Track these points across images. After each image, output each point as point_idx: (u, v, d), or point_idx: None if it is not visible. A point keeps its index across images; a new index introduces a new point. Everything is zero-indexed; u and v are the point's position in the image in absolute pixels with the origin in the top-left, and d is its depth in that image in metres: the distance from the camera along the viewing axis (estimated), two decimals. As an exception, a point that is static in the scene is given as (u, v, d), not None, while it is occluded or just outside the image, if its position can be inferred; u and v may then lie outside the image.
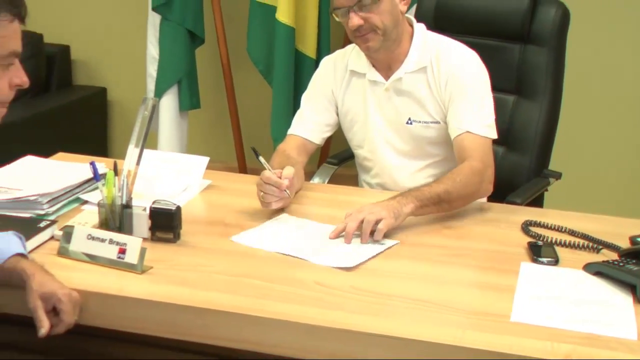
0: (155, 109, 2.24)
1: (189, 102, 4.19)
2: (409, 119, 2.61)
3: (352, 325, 1.78)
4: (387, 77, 2.61)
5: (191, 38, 4.12)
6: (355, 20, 2.45)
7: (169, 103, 4.11)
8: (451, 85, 2.53)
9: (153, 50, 4.11)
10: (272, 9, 3.81)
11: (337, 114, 2.75)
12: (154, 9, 4.03)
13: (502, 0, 3.00)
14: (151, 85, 4.13)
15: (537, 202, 2.88)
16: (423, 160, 2.67)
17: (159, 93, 4.07)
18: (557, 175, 2.94)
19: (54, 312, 1.86)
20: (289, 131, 2.77)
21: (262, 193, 2.31)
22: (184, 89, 4.16)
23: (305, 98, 2.80)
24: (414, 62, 2.57)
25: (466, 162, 2.41)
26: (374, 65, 2.63)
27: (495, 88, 2.80)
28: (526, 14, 2.92)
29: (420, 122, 2.60)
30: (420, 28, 2.62)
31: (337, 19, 2.53)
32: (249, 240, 2.20)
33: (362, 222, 2.14)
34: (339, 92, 2.72)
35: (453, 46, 2.60)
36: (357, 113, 2.71)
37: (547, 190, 2.96)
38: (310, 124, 2.74)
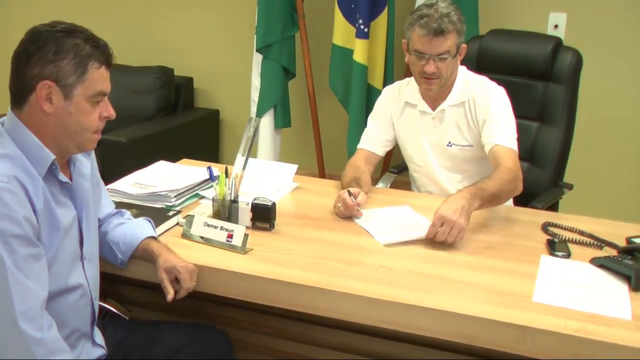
0: (257, 128, 2.26)
1: (282, 121, 4.20)
2: (449, 142, 2.60)
3: (406, 299, 1.78)
4: (433, 108, 2.59)
5: (285, 73, 4.13)
6: (432, 67, 2.43)
7: (266, 122, 4.13)
8: (484, 114, 2.50)
9: (256, 81, 4.14)
10: (350, 51, 3.81)
11: (394, 133, 2.73)
12: (257, 50, 4.06)
13: (530, 48, 2.96)
14: (253, 108, 4.15)
15: (554, 207, 2.85)
16: (459, 174, 2.64)
17: (260, 114, 4.08)
18: (570, 187, 2.91)
19: (176, 281, 1.89)
20: (358, 146, 2.76)
21: (339, 207, 2.29)
22: (279, 112, 4.17)
23: (370, 118, 2.78)
24: (456, 98, 2.56)
25: (504, 166, 2.36)
26: (423, 98, 2.61)
27: (523, 116, 2.83)
28: (549, 59, 2.90)
29: (458, 145, 2.59)
30: (462, 70, 2.59)
31: (410, 57, 2.50)
32: (364, 223, 2.25)
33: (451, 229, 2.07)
34: (395, 116, 2.70)
35: (486, 84, 2.57)
36: (408, 135, 2.69)
37: (561, 198, 2.92)
38: (374, 140, 2.73)
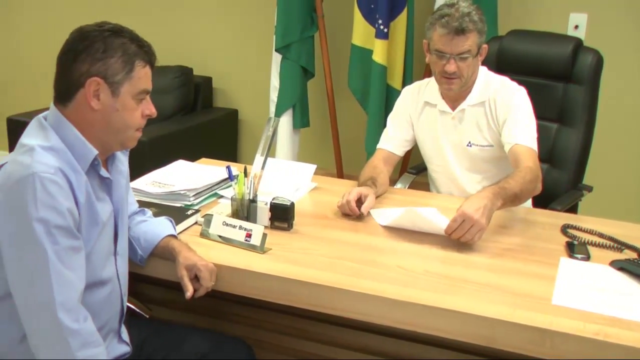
0: (277, 127, 2.26)
1: (301, 121, 4.20)
2: (469, 142, 2.59)
3: (423, 300, 1.77)
4: (453, 108, 2.59)
5: (304, 72, 4.13)
6: (452, 67, 2.44)
7: (285, 122, 4.13)
8: (504, 113, 2.50)
9: (275, 81, 4.14)
10: (369, 52, 3.80)
11: (414, 133, 2.73)
12: (276, 50, 4.07)
13: (550, 49, 2.96)
14: (272, 108, 4.15)
15: (573, 209, 2.83)
16: (479, 175, 2.64)
17: (278, 114, 4.09)
18: (589, 189, 2.90)
19: (195, 279, 1.90)
20: (378, 146, 2.76)
21: (343, 205, 2.30)
22: (297, 112, 4.17)
23: (390, 119, 2.77)
24: (476, 98, 2.55)
25: (524, 165, 2.35)
26: (443, 98, 2.61)
27: (542, 117, 2.82)
28: (569, 60, 2.89)
29: (478, 145, 2.58)
30: (483, 70, 2.59)
31: (431, 57, 2.51)
32: (377, 216, 2.29)
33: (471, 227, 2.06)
34: (414, 116, 2.70)
35: (507, 84, 2.57)
36: (428, 135, 2.69)
37: (580, 200, 2.90)
38: (393, 140, 2.73)
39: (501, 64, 2.98)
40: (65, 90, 1.67)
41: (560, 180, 2.88)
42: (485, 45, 2.51)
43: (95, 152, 1.69)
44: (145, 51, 1.72)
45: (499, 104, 2.52)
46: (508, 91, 2.54)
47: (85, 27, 1.69)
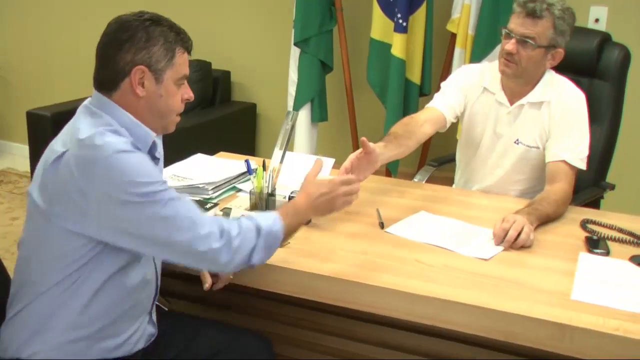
0: (295, 121, 2.26)
1: (319, 115, 4.20)
2: (517, 139, 2.53)
3: (442, 295, 1.78)
4: (511, 102, 2.52)
5: (322, 66, 4.13)
6: (511, 46, 2.38)
7: (303, 116, 4.13)
8: (561, 120, 2.44)
9: (293, 75, 4.15)
10: (388, 46, 3.79)
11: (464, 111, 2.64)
12: (295, 44, 4.07)
13: (576, 43, 2.89)
14: (290, 102, 4.16)
15: (595, 207, 2.79)
16: (515, 175, 2.59)
17: (296, 108, 4.09)
18: (611, 187, 2.86)
19: (215, 276, 1.93)
20: (428, 105, 2.63)
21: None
22: (316, 106, 4.17)
23: (444, 85, 2.67)
24: (537, 96, 2.48)
25: (562, 187, 2.35)
26: (503, 89, 2.54)
27: None
28: (593, 55, 2.85)
29: (525, 145, 2.52)
30: (550, 72, 2.52)
31: (501, 35, 2.46)
32: (400, 232, 2.16)
33: (520, 231, 2.06)
34: (471, 97, 2.62)
35: (571, 90, 2.51)
36: (479, 121, 2.62)
37: (602, 197, 2.88)
38: (447, 102, 2.60)
39: None
40: (111, 79, 1.72)
41: (582, 177, 2.81)
42: (560, 50, 2.44)
43: (153, 134, 1.77)
44: (183, 38, 1.77)
45: (559, 108, 2.46)
46: (570, 99, 2.48)
47: (124, 17, 1.75)
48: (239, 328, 2.05)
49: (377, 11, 3.86)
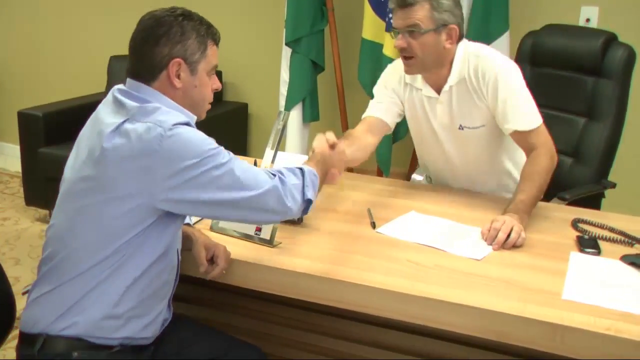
0: (287, 121, 2.26)
1: (311, 115, 4.20)
2: (460, 125, 2.49)
3: (434, 294, 1.77)
4: (438, 91, 2.47)
5: (314, 66, 4.13)
6: (400, 42, 2.35)
7: (295, 116, 4.13)
8: (491, 92, 2.37)
9: (284, 75, 4.14)
10: (379, 46, 3.79)
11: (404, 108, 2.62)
12: (287, 44, 4.07)
13: (580, 42, 2.95)
14: (282, 102, 4.15)
15: (596, 206, 2.81)
16: (474, 155, 2.55)
17: (288, 108, 4.09)
18: (612, 185, 2.85)
19: (211, 261, 1.95)
20: (364, 115, 2.64)
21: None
22: (307, 105, 4.17)
23: (375, 90, 2.65)
24: (456, 76, 2.42)
25: (535, 156, 2.32)
26: (427, 82, 2.50)
27: (571, 111, 2.89)
28: (598, 54, 2.87)
29: (470, 127, 2.48)
30: (461, 47, 2.42)
31: (392, 38, 2.42)
32: (391, 232, 2.16)
33: (510, 231, 2.07)
34: (402, 95, 2.58)
35: (485, 56, 2.40)
36: (418, 117, 2.58)
37: (604, 196, 2.88)
38: (380, 106, 2.60)
39: (535, 57, 3.03)
40: (149, 72, 1.79)
41: (584, 175, 2.85)
42: (453, 26, 2.36)
43: (194, 116, 1.86)
44: (212, 31, 1.88)
45: (480, 80, 2.39)
46: (487, 66, 2.38)
47: (157, 13, 1.83)
48: (236, 340, 2.05)
49: (368, 11, 3.86)
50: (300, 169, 1.90)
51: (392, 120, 2.61)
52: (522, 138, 2.38)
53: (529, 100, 2.39)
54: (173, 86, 1.80)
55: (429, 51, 2.36)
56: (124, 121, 1.71)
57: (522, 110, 2.37)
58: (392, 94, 2.59)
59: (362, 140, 2.52)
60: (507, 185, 2.58)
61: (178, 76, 1.80)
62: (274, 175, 1.82)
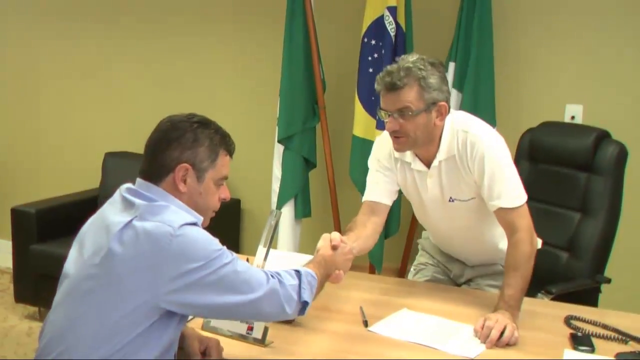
0: (279, 220, 2.27)
1: (303, 211, 4.21)
2: (450, 197, 2.50)
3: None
4: (428, 166, 2.49)
5: (306, 163, 4.16)
6: (392, 125, 2.35)
7: (287, 212, 4.13)
8: (477, 169, 2.38)
9: (277, 172, 4.17)
10: (370, 142, 3.79)
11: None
12: (279, 141, 4.11)
13: (573, 139, 3.03)
14: (274, 198, 4.17)
15: (593, 302, 2.82)
16: (465, 225, 2.56)
17: (280, 205, 4.10)
18: (607, 280, 2.84)
19: (203, 354, 1.96)
20: (364, 199, 2.65)
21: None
22: (299, 202, 4.18)
23: (370, 164, 2.68)
24: (445, 152, 2.43)
25: (516, 243, 2.32)
26: (417, 156, 2.51)
27: (566, 206, 2.95)
28: (589, 150, 2.93)
29: (460, 200, 2.49)
30: (448, 121, 2.42)
31: (381, 117, 2.42)
32: (384, 331, 2.15)
33: (503, 329, 2.07)
34: (393, 169, 2.60)
35: (473, 134, 2.40)
36: (410, 190, 2.60)
37: (600, 291, 2.87)
38: (377, 187, 2.62)
39: (533, 153, 3.12)
40: (157, 172, 1.83)
41: (579, 270, 2.85)
42: (443, 103, 2.36)
43: (201, 217, 1.86)
44: (227, 142, 1.91)
45: (468, 156, 2.39)
46: (475, 143, 2.39)
47: (175, 117, 1.88)
48: None
49: (359, 108, 3.92)
50: (297, 270, 1.92)
51: (391, 200, 2.64)
52: (505, 215, 2.38)
53: (514, 177, 2.41)
54: (178, 190, 1.82)
55: (421, 130, 2.37)
56: (132, 219, 1.73)
57: (507, 188, 2.37)
58: (386, 172, 2.61)
59: (368, 228, 2.56)
60: (500, 252, 2.54)
61: (184, 181, 1.82)
62: (272, 276, 1.84)
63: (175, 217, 1.73)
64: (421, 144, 2.42)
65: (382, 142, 2.64)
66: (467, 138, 2.40)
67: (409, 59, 2.35)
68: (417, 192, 2.57)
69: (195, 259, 1.70)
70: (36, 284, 4.14)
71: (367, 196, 2.65)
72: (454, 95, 3.64)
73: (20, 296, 4.31)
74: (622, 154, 2.92)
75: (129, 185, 1.86)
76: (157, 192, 1.81)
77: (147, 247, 1.69)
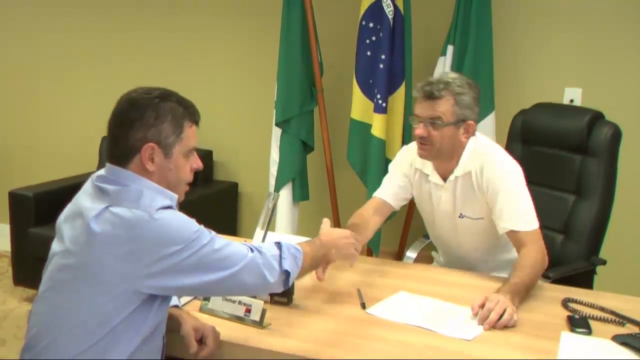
0: (276, 202, 2.27)
1: (300, 195, 4.21)
2: (461, 214, 2.58)
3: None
4: (444, 179, 2.58)
5: (304, 146, 4.16)
6: (420, 130, 2.46)
7: (285, 196, 4.13)
8: (491, 190, 2.46)
9: (274, 155, 4.16)
10: (368, 126, 3.83)
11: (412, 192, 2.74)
12: (277, 125, 4.11)
13: (567, 121, 3.01)
14: (272, 182, 4.16)
15: (588, 284, 2.81)
16: (476, 246, 2.63)
17: (278, 188, 4.10)
18: (602, 262, 2.84)
19: (200, 342, 1.93)
20: (375, 194, 2.78)
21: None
22: (297, 185, 4.18)
23: (391, 167, 2.79)
24: (462, 168, 2.52)
25: (529, 251, 2.36)
26: (435, 169, 2.60)
27: (560, 188, 2.93)
28: (583, 132, 2.92)
29: (469, 217, 2.57)
30: (471, 142, 2.53)
31: (411, 123, 2.53)
32: (381, 313, 2.16)
33: (503, 311, 2.07)
34: (412, 179, 2.70)
35: (492, 156, 2.51)
36: (424, 202, 2.70)
37: (595, 273, 2.88)
38: (390, 189, 2.74)
39: (525, 135, 3.10)
40: (124, 155, 1.79)
41: (574, 252, 2.86)
42: (471, 122, 2.50)
43: (176, 195, 1.85)
44: (191, 112, 1.85)
45: (484, 177, 2.48)
46: (493, 166, 2.48)
47: (133, 95, 1.82)
48: None
49: (357, 92, 3.92)
50: (278, 242, 1.91)
51: (397, 204, 2.76)
52: (517, 237, 2.42)
53: (528, 204, 2.47)
54: (146, 170, 1.79)
55: (447, 142, 2.48)
56: (108, 206, 1.71)
57: (520, 212, 2.44)
58: (403, 177, 2.72)
59: (371, 225, 2.67)
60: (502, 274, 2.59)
61: (152, 160, 1.79)
62: (252, 249, 1.82)
63: (150, 202, 1.71)
64: (444, 155, 2.52)
65: (407, 152, 2.76)
66: (486, 160, 2.49)
67: (450, 75, 2.51)
68: (430, 204, 2.65)
69: (174, 242, 1.69)
70: (34, 266, 4.09)
71: (379, 193, 2.75)
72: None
73: (19, 279, 4.33)
74: (616, 135, 2.91)
75: (99, 172, 1.84)
76: (127, 176, 1.78)
77: (123, 234, 1.67)
